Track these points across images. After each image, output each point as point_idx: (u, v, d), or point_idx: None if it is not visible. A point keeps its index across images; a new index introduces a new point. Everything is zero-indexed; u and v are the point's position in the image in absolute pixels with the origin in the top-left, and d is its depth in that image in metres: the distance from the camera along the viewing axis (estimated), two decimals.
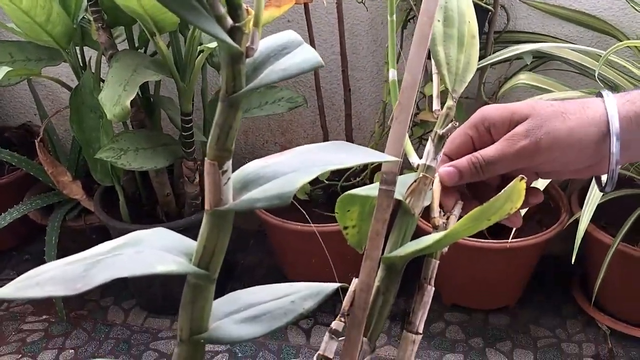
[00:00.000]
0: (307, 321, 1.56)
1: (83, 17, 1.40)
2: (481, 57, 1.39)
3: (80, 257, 0.35)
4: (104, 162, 1.42)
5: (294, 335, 1.53)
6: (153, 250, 0.37)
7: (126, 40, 1.44)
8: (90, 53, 1.47)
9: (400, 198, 0.46)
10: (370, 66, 1.63)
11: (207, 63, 1.42)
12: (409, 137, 1.57)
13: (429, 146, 0.47)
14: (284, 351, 1.49)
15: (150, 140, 1.40)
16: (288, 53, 0.36)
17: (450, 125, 0.46)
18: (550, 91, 1.32)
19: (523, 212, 0.60)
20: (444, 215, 0.48)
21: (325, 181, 1.56)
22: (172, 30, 1.31)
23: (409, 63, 0.42)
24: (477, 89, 1.49)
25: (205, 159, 0.35)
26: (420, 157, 0.48)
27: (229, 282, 1.70)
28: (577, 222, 1.23)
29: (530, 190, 0.52)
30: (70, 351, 1.51)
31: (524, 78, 1.35)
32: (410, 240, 0.48)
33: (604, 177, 0.52)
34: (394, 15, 0.46)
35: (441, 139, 0.46)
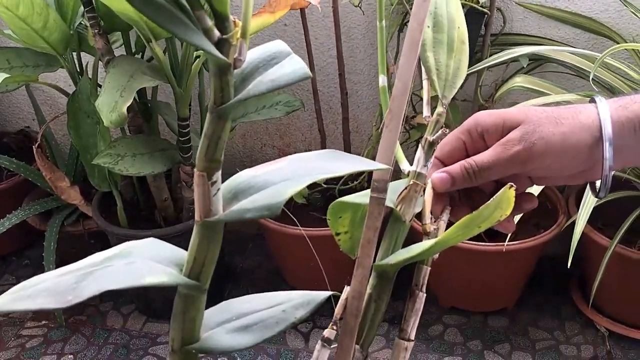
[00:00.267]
0: (305, 325, 1.56)
1: (80, 23, 1.40)
2: (477, 60, 1.40)
3: (73, 268, 0.36)
4: (101, 168, 1.43)
5: (292, 339, 1.53)
6: (144, 261, 0.37)
7: (123, 46, 1.44)
8: (87, 59, 1.47)
9: (392, 205, 0.46)
10: (367, 69, 1.64)
11: (204, 68, 1.42)
12: (407, 140, 1.56)
13: (419, 153, 0.47)
14: (282, 355, 1.49)
15: (147, 145, 1.40)
16: (277, 63, 0.36)
17: (440, 131, 0.46)
18: (546, 94, 1.32)
19: (520, 215, 0.60)
20: (435, 222, 0.48)
21: (323, 185, 1.56)
22: (168, 36, 1.31)
23: (399, 70, 0.42)
24: (473, 92, 1.50)
25: (195, 170, 0.35)
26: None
27: (227, 285, 1.70)
28: (574, 224, 1.23)
29: (524, 196, 0.52)
30: (70, 356, 1.51)
31: (520, 81, 1.36)
32: (402, 247, 0.48)
33: (598, 183, 0.52)
34: (384, 21, 0.46)
35: (431, 145, 0.46)
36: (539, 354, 1.46)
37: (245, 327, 0.41)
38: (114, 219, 1.52)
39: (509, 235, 1.35)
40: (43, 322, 1.62)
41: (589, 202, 1.22)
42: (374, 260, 0.45)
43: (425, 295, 0.49)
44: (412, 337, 0.48)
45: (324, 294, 0.42)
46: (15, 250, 1.87)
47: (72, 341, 1.56)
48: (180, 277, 0.37)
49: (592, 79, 1.18)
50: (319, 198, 1.60)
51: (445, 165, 0.51)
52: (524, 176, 0.52)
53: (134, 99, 1.27)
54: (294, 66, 0.35)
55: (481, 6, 1.35)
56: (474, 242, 1.38)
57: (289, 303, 0.42)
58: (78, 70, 1.46)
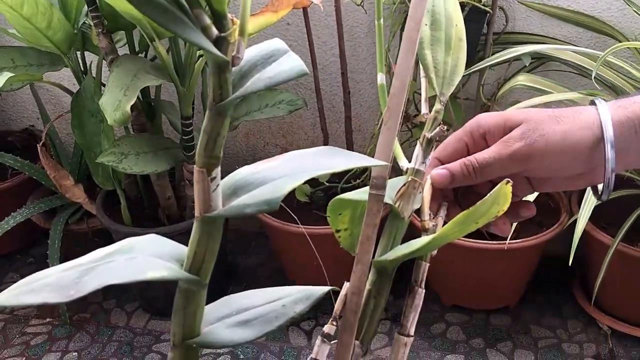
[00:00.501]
0: (308, 322, 1.57)
1: (83, 23, 1.41)
2: (480, 59, 1.40)
3: (76, 263, 0.36)
4: (105, 166, 1.44)
5: (295, 337, 1.53)
6: (145, 257, 0.37)
7: (126, 45, 1.44)
8: (91, 58, 1.48)
9: (390, 202, 0.47)
10: (369, 68, 1.64)
11: (207, 67, 1.43)
12: (409, 139, 1.56)
13: (418, 150, 0.47)
14: (285, 353, 1.49)
15: (151, 144, 1.41)
16: (274, 61, 0.36)
17: (438, 128, 0.46)
18: (549, 92, 1.32)
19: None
20: (433, 218, 0.48)
21: (325, 183, 1.56)
22: (171, 35, 1.32)
23: (397, 68, 0.42)
24: (476, 91, 1.50)
25: (194, 166, 0.36)
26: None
27: (230, 284, 1.70)
28: (576, 222, 1.24)
29: (522, 203, 0.52)
30: (74, 354, 1.52)
31: (522, 79, 1.36)
32: (401, 243, 0.48)
33: (600, 185, 0.52)
34: (382, 20, 0.47)
35: (430, 142, 0.47)
36: (541, 352, 1.46)
37: (245, 322, 0.41)
38: (117, 217, 1.53)
39: (512, 233, 1.35)
40: (47, 319, 1.63)
41: (590, 200, 1.22)
42: (373, 257, 0.46)
43: (424, 291, 0.49)
44: (412, 332, 0.49)
45: (323, 289, 0.43)
46: (20, 248, 1.88)
47: (77, 338, 1.57)
48: (181, 272, 0.37)
49: (595, 77, 1.18)
50: (321, 196, 1.60)
51: None
52: (523, 178, 0.52)
53: (138, 98, 1.27)
54: (291, 63, 0.36)
55: (483, 5, 1.35)
56: (476, 240, 1.39)
57: (288, 298, 0.42)
58: (82, 69, 1.47)
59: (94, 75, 1.44)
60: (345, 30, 1.52)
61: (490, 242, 1.39)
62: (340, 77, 1.55)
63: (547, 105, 1.23)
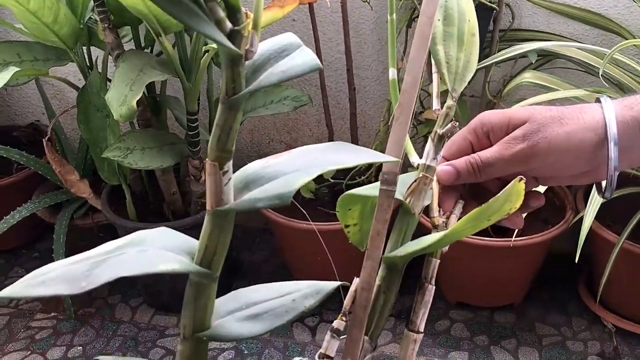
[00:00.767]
0: (312, 319, 1.57)
1: (90, 18, 1.41)
2: (486, 56, 1.39)
3: (86, 256, 0.36)
4: (110, 161, 1.44)
5: (299, 333, 1.53)
6: (156, 250, 0.38)
7: (132, 40, 1.45)
8: (97, 53, 1.48)
9: (401, 198, 0.47)
10: (375, 65, 1.64)
11: (213, 62, 1.43)
12: (414, 136, 1.55)
13: (429, 146, 0.47)
14: (289, 348, 1.49)
15: (156, 139, 1.41)
16: (287, 55, 0.36)
17: (450, 125, 0.46)
18: (555, 89, 1.32)
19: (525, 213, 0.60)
20: (443, 215, 0.48)
21: (330, 179, 1.56)
22: (177, 31, 1.32)
23: (409, 64, 0.42)
24: (482, 88, 1.49)
25: (206, 159, 0.36)
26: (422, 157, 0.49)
27: (234, 280, 1.71)
28: (582, 220, 1.23)
29: (531, 194, 0.53)
30: (78, 348, 1.53)
31: (528, 76, 1.35)
32: (411, 239, 0.48)
33: (603, 183, 0.52)
34: (394, 14, 0.46)
35: (441, 138, 0.47)
36: (545, 350, 1.46)
37: (255, 316, 0.41)
38: (123, 212, 1.53)
39: (517, 230, 1.35)
40: (52, 314, 1.64)
41: (596, 198, 1.22)
42: (383, 252, 0.46)
43: (434, 287, 0.49)
44: (422, 329, 0.49)
45: (333, 284, 0.43)
46: (25, 243, 1.88)
47: (81, 333, 1.57)
48: (192, 265, 0.37)
49: (601, 75, 1.17)
50: (326, 193, 1.60)
51: None
52: (527, 175, 0.52)
53: (143, 93, 1.27)
54: (304, 58, 0.36)
55: (490, 2, 1.35)
56: (482, 238, 1.38)
57: (298, 292, 0.43)
58: (88, 64, 1.47)
59: (99, 70, 1.44)
60: (351, 27, 1.52)
61: (495, 239, 1.39)
62: (345, 73, 1.55)
63: (552, 102, 1.22)
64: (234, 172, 0.39)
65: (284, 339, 1.52)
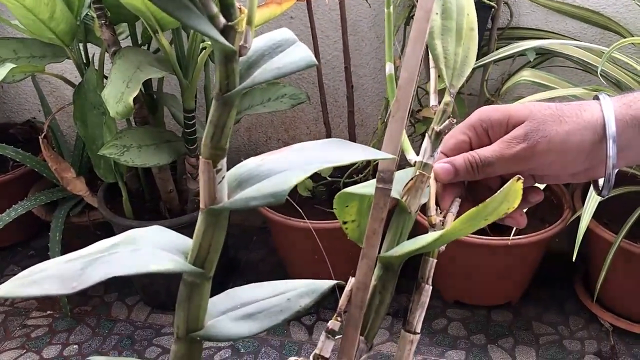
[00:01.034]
0: (309, 317, 1.57)
1: (86, 14, 1.40)
2: (484, 54, 1.39)
3: (78, 255, 0.36)
4: (107, 159, 1.43)
5: (296, 332, 1.53)
6: (149, 249, 0.37)
7: (129, 37, 1.44)
8: (94, 50, 1.47)
9: (397, 196, 0.46)
10: (373, 63, 1.63)
11: (210, 60, 1.42)
12: (412, 134, 1.55)
13: (426, 143, 0.46)
14: (286, 347, 1.49)
15: (153, 137, 1.40)
16: (282, 51, 0.36)
17: (447, 121, 0.46)
18: (553, 88, 1.31)
19: (525, 209, 0.60)
20: (440, 213, 0.48)
21: (328, 178, 1.56)
22: (174, 27, 1.31)
23: (405, 60, 0.42)
24: (479, 86, 1.49)
25: (200, 157, 0.35)
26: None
27: (231, 278, 1.70)
28: (579, 219, 1.23)
29: (531, 189, 0.52)
30: (74, 346, 1.52)
31: (527, 75, 1.35)
32: (407, 238, 0.48)
33: (601, 181, 0.51)
34: (391, 7, 0.46)
35: (438, 135, 0.46)
36: (542, 349, 1.46)
37: (250, 315, 0.41)
38: (119, 210, 1.52)
39: (514, 229, 1.35)
40: (48, 312, 1.63)
41: (594, 197, 1.21)
42: (379, 252, 0.45)
43: (431, 288, 0.48)
44: (418, 330, 0.48)
45: (329, 283, 0.42)
46: (21, 240, 1.87)
47: (77, 331, 1.57)
48: (186, 264, 0.37)
49: (600, 73, 1.17)
50: (323, 191, 1.59)
51: None
52: (526, 173, 0.51)
53: (140, 90, 1.26)
54: (300, 54, 0.35)
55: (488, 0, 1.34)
56: (479, 236, 1.38)
57: (293, 292, 0.42)
58: (84, 61, 1.46)
59: (96, 67, 1.44)
60: (349, 25, 1.51)
61: (492, 238, 1.39)
62: (343, 71, 1.54)
63: (550, 101, 1.22)
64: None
65: (281, 338, 1.51)
